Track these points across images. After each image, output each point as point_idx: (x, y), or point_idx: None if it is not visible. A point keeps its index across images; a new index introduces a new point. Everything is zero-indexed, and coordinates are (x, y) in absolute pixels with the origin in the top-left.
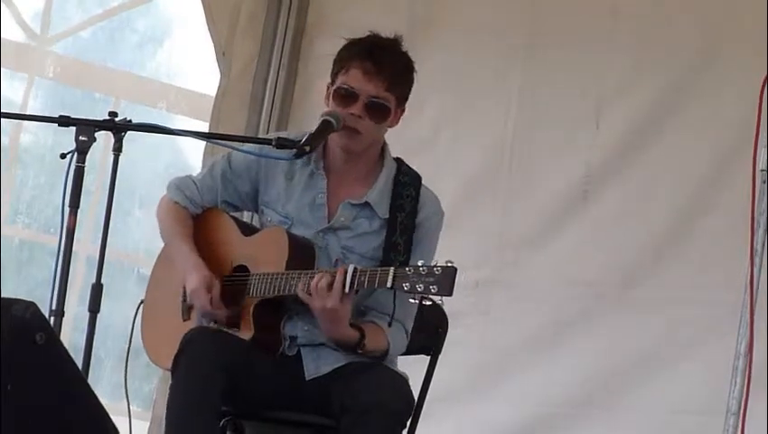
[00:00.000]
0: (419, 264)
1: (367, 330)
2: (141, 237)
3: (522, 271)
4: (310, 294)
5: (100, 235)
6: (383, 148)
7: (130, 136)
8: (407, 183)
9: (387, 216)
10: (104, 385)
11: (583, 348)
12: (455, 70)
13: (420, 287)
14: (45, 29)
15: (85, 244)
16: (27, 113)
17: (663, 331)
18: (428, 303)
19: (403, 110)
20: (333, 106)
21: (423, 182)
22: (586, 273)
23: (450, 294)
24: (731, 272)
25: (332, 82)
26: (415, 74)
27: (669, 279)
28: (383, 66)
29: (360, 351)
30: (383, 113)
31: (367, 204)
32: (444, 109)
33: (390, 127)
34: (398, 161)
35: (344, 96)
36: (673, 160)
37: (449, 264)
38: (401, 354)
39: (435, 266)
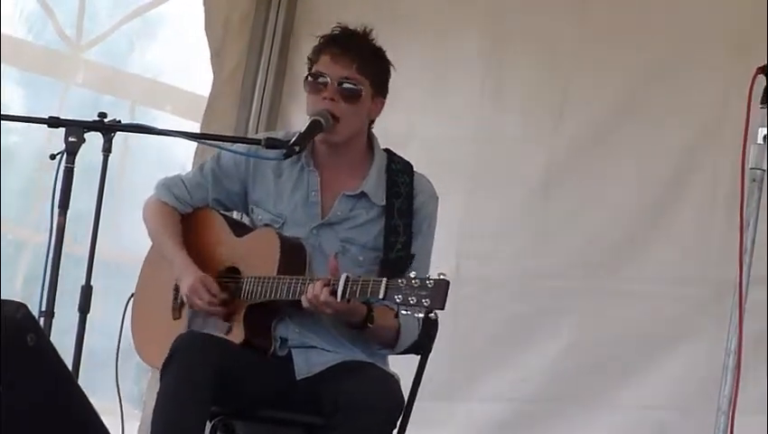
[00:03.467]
0: (412, 276)
1: (374, 307)
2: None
3: (489, 265)
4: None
5: (120, 240)
6: (371, 139)
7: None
8: (400, 171)
9: (383, 203)
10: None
11: (553, 343)
12: (430, 66)
13: (413, 300)
14: (79, 37)
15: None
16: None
17: (636, 325)
18: (421, 315)
19: (382, 101)
20: (308, 98)
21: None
22: (555, 266)
23: (442, 307)
24: (707, 266)
25: (307, 79)
26: (391, 66)
27: (641, 273)
28: (349, 48)
29: (370, 324)
30: (355, 94)
31: (363, 195)
32: (418, 105)
33: (371, 117)
34: (388, 151)
35: (315, 83)
36: (640, 153)
37: (441, 276)
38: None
39: (428, 278)
